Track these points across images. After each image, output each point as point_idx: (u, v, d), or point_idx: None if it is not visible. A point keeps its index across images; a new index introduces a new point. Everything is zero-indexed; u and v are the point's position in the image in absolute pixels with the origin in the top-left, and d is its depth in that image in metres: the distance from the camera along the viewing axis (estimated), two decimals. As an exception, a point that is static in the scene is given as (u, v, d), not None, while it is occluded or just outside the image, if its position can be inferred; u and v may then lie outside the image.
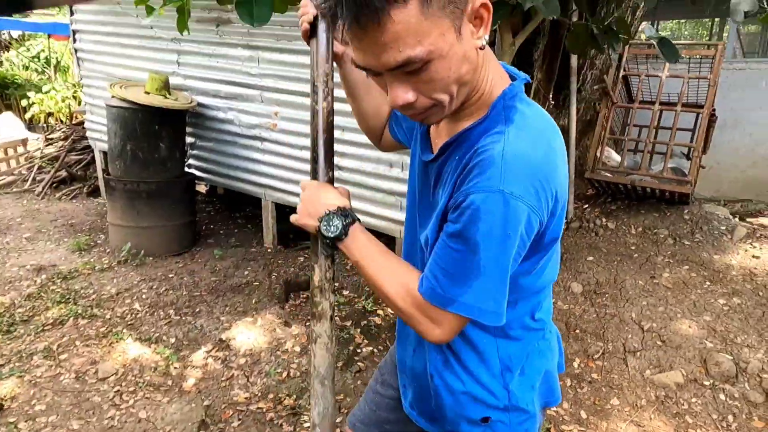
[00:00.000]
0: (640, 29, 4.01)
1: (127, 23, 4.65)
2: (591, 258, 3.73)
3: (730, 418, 2.56)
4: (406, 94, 0.82)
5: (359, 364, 2.93)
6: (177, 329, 3.10)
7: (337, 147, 3.69)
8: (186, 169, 4.57)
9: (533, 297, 1.03)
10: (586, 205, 4.58)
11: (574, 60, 4.09)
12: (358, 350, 3.08)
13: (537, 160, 0.83)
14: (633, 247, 3.85)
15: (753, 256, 3.63)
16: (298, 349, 3.00)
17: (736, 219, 4.28)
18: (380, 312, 3.43)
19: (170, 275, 3.73)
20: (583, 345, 3.09)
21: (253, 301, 3.44)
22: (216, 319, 3.22)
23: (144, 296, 3.45)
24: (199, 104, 4.32)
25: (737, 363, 2.79)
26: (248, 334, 3.08)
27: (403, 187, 3.47)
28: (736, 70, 5.49)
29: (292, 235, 4.67)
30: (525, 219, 0.82)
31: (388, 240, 4.27)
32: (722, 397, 2.66)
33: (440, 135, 1.00)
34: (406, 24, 0.74)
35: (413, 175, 1.11)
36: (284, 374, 2.78)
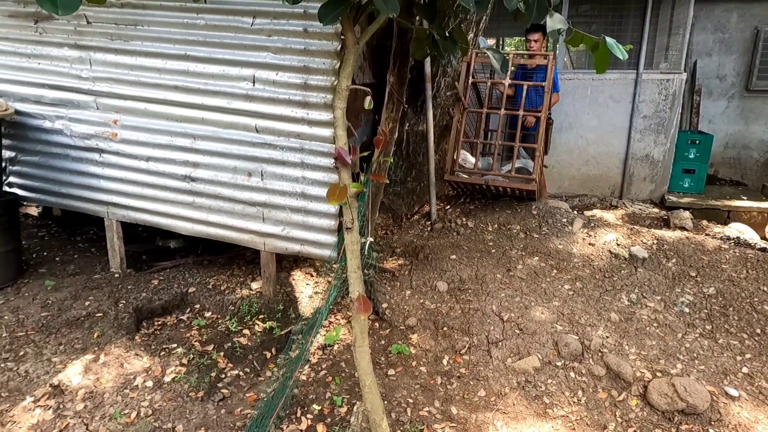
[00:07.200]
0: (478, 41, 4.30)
1: None
2: (454, 256, 3.88)
3: (580, 393, 2.79)
4: None
5: (223, 391, 2.69)
6: (-7, 379, 2.59)
7: (188, 156, 3.41)
8: (6, 188, 3.91)
9: None
10: (448, 206, 4.78)
11: (428, 67, 4.25)
12: (222, 375, 2.83)
13: None
14: (491, 243, 4.09)
15: (589, 244, 4.05)
16: (150, 383, 2.67)
17: (575, 212, 4.77)
18: (246, 331, 3.21)
19: (-14, 315, 3.13)
20: (451, 341, 3.17)
21: (96, 335, 3.01)
22: (47, 362, 2.75)
23: (-52, 344, 2.84)
24: (18, 112, 3.72)
25: (582, 342, 3.07)
26: (88, 374, 2.67)
27: (263, 197, 3.29)
28: (567, 80, 6.16)
29: (145, 256, 4.21)
30: None
31: (253, 253, 4.04)
32: (572, 374, 2.89)
33: None
34: None
35: None
36: (132, 415, 2.45)
